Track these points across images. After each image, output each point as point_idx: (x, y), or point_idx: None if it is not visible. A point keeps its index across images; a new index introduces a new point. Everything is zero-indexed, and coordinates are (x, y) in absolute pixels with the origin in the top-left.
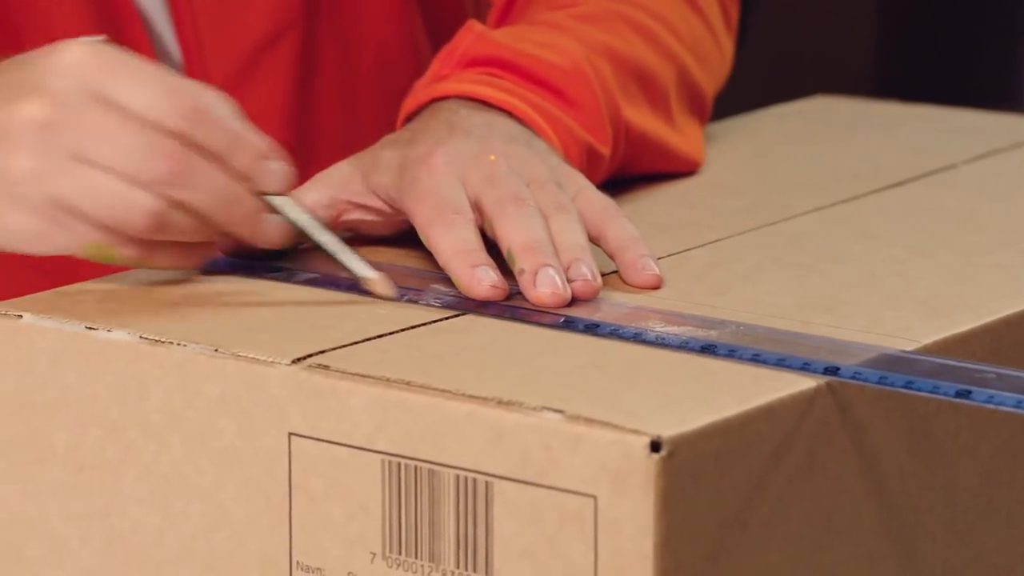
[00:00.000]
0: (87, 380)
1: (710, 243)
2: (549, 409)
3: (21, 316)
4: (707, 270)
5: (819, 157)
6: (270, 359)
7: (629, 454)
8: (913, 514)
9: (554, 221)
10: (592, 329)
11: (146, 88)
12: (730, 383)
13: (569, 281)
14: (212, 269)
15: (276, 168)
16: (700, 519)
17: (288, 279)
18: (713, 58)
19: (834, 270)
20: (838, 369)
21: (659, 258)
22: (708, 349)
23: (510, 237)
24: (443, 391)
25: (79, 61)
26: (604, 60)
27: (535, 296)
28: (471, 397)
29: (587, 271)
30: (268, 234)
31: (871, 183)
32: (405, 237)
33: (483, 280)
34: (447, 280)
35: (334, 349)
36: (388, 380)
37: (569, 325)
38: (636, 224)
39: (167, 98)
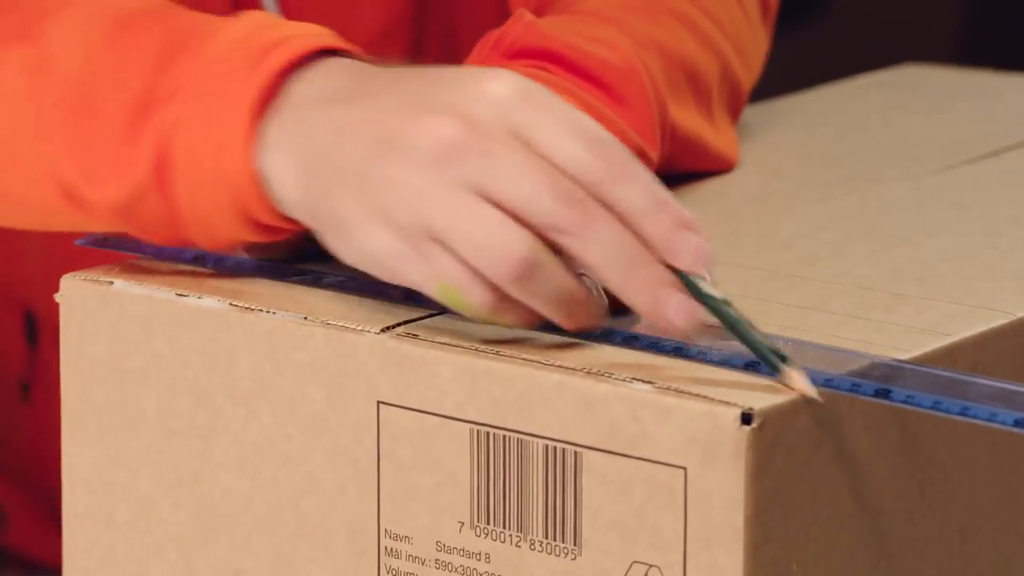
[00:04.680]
0: (177, 347)
1: (799, 212)
2: (639, 380)
3: (112, 283)
4: (796, 239)
5: (910, 127)
6: (359, 327)
7: (720, 426)
8: (1004, 489)
9: None
10: (631, 342)
11: (571, 135)
12: (818, 354)
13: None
14: (239, 271)
15: (695, 243)
16: (790, 491)
17: (315, 283)
18: (751, 51)
19: (926, 241)
20: (890, 392)
21: (747, 227)
22: (751, 366)
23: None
24: (532, 361)
25: (508, 96)
26: (654, 56)
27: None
28: (560, 367)
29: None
30: (670, 310)
31: (964, 153)
32: None
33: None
34: None
35: (423, 318)
36: (477, 349)
37: (607, 337)
38: (725, 195)
39: (590, 148)
